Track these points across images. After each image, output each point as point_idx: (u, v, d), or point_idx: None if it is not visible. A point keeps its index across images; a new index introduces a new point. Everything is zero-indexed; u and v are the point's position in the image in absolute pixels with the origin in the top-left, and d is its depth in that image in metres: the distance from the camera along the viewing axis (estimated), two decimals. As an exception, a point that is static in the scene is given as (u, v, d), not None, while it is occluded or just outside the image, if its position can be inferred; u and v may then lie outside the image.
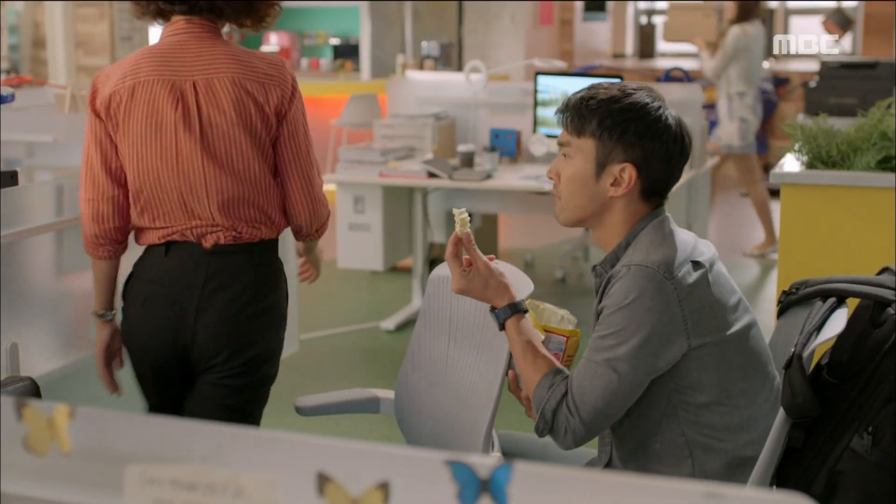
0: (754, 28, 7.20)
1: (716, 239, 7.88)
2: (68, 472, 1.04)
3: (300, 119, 2.62)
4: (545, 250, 7.42)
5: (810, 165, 3.66)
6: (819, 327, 2.10)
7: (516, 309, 2.19)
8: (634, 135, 2.11)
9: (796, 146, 3.73)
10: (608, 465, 2.27)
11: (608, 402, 2.06)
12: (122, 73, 2.54)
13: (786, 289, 2.37)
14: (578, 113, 2.13)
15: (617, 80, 2.22)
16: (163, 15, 2.59)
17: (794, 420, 2.07)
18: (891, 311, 2.11)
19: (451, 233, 2.17)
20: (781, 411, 2.06)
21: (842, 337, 2.10)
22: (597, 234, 2.22)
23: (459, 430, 2.50)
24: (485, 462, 0.94)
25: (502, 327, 2.21)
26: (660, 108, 2.13)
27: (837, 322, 2.09)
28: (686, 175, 5.73)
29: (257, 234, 2.59)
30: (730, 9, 7.21)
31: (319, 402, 2.80)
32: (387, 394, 2.78)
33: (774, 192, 8.87)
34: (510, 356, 2.29)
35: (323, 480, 0.97)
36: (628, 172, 2.12)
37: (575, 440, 2.10)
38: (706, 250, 2.17)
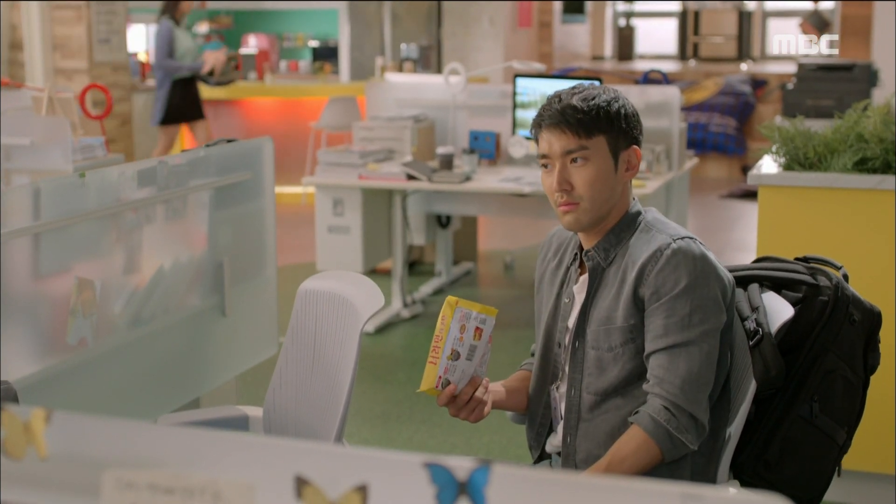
0: None
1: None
2: (45, 477, 1.04)
3: None
4: (524, 252, 7.43)
5: (788, 167, 3.68)
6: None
7: None
8: (625, 119, 2.24)
9: (774, 148, 3.74)
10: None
11: (700, 374, 2.14)
12: None
13: None
14: (588, 116, 2.20)
15: (577, 84, 2.31)
16: None
17: (760, 393, 2.22)
18: (798, 294, 2.33)
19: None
20: (753, 385, 2.17)
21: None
22: (600, 225, 2.26)
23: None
24: (463, 464, 0.94)
25: None
26: (615, 92, 2.29)
27: (779, 304, 2.28)
28: (666, 176, 5.75)
29: None
30: None
31: (184, 419, 2.67)
32: (256, 412, 2.67)
33: (752, 194, 8.89)
34: (355, 367, 2.26)
35: (301, 483, 0.97)
36: (635, 153, 2.27)
37: (699, 433, 2.15)
38: None
